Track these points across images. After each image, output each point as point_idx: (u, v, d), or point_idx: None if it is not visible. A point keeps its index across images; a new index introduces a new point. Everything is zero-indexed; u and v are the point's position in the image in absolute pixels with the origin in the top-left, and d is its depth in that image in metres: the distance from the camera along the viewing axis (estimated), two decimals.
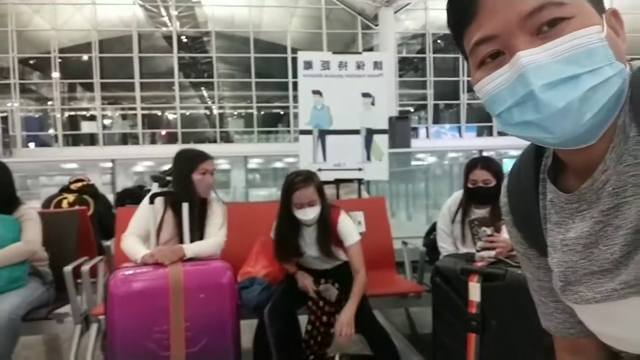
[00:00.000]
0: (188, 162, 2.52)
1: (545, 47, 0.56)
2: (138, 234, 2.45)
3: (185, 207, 2.34)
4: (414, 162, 10.55)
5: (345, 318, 2.22)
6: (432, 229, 2.98)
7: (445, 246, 2.66)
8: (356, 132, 3.64)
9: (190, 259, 2.23)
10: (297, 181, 2.36)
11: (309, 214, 2.35)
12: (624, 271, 0.61)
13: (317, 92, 3.60)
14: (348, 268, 2.44)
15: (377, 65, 3.61)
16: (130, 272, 2.04)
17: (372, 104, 3.62)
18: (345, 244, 2.43)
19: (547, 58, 0.56)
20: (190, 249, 2.31)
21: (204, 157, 2.55)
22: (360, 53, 3.88)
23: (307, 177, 2.38)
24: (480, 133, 18.07)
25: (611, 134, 0.60)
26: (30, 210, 2.62)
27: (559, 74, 0.55)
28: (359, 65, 3.60)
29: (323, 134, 3.61)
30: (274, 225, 2.56)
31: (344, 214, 2.48)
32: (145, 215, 2.48)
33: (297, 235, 2.46)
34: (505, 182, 0.82)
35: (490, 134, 17.43)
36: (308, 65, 3.59)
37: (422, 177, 9.78)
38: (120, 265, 2.27)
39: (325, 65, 3.59)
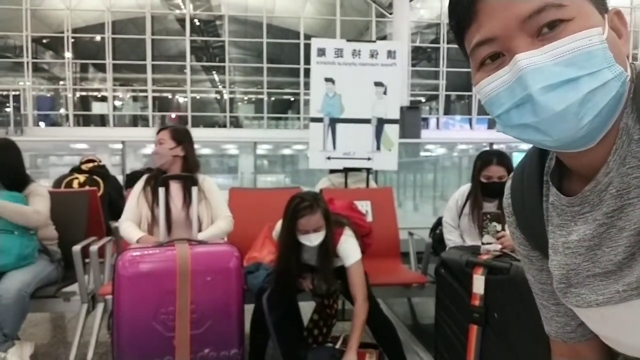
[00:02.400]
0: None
1: (544, 49, 0.56)
2: (132, 219, 2.49)
3: (161, 191, 2.35)
4: (423, 153, 10.52)
5: (349, 358, 2.18)
6: (438, 223, 2.98)
7: (453, 238, 2.66)
8: (367, 121, 3.63)
9: (199, 242, 2.25)
10: (303, 207, 2.24)
11: (313, 240, 2.26)
12: (628, 273, 0.61)
13: (329, 80, 3.58)
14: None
15: (390, 54, 3.58)
16: (138, 253, 2.06)
17: (384, 93, 3.60)
18: (345, 264, 2.34)
19: (546, 60, 0.55)
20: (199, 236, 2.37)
21: (159, 130, 2.61)
22: (374, 42, 3.83)
23: (312, 203, 2.25)
24: (491, 125, 17.93)
25: (613, 136, 0.60)
26: (40, 187, 2.64)
27: (558, 76, 0.55)
28: (373, 54, 3.57)
29: (334, 122, 3.60)
30: (278, 225, 2.50)
31: (347, 233, 2.38)
32: (136, 201, 2.53)
33: (299, 257, 2.37)
34: (508, 183, 0.81)
35: None
36: (321, 52, 3.57)
37: (430, 168, 9.75)
38: (128, 246, 2.29)
39: (339, 52, 3.57)
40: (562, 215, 0.69)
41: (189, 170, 2.53)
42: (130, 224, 2.47)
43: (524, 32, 0.57)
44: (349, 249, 2.34)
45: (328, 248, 2.30)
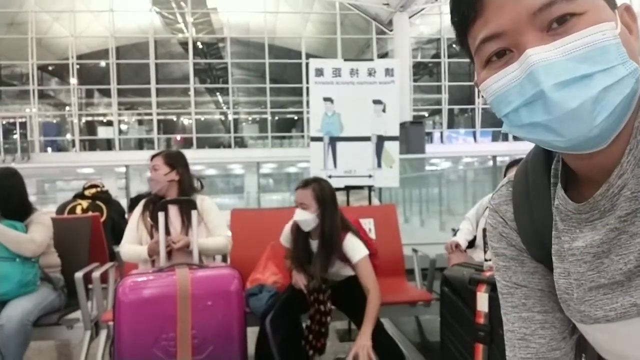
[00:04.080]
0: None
1: (556, 44, 0.53)
2: (132, 243, 2.51)
3: (160, 216, 2.35)
4: (428, 167, 10.51)
5: (361, 342, 2.16)
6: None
7: (462, 227, 2.72)
8: (367, 139, 3.64)
9: (200, 266, 2.24)
10: (299, 183, 2.49)
11: (298, 214, 2.42)
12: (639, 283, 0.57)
13: (328, 99, 3.60)
14: (352, 284, 2.43)
15: (388, 72, 3.60)
16: (139, 279, 2.05)
17: (383, 110, 3.61)
18: (352, 261, 2.42)
19: (558, 56, 0.52)
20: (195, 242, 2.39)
21: (153, 156, 2.62)
22: (371, 60, 3.85)
23: (307, 181, 2.48)
24: (495, 138, 17.92)
25: (626, 136, 0.57)
26: (42, 216, 2.64)
27: (571, 72, 0.52)
28: (371, 72, 3.59)
29: (334, 140, 3.61)
30: (286, 228, 2.61)
31: (351, 234, 2.47)
32: (136, 225, 2.54)
33: (307, 245, 2.51)
34: (503, 190, 0.77)
35: (505, 139, 17.28)
36: (319, 72, 3.60)
37: (436, 182, 9.73)
38: (130, 271, 2.28)
39: (337, 72, 3.59)
40: (566, 220, 0.65)
41: (185, 194, 2.54)
42: (131, 246, 2.49)
43: (534, 26, 0.55)
44: (356, 245, 2.43)
45: (325, 236, 2.41)
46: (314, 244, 2.49)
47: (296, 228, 2.49)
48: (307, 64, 4.00)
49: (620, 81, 0.52)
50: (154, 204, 2.51)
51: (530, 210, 0.71)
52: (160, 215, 2.34)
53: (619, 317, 0.60)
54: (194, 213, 2.39)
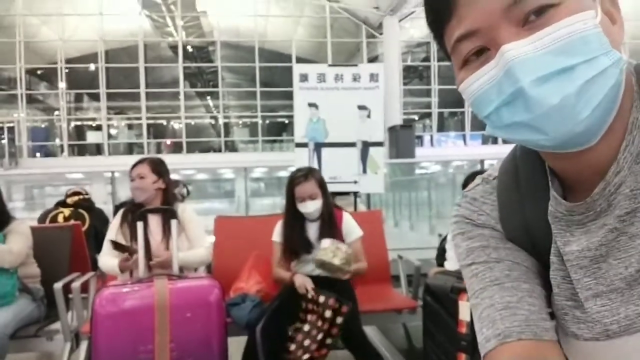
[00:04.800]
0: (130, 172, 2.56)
1: (533, 38, 0.50)
2: (111, 255, 2.48)
3: (139, 225, 2.32)
4: (418, 171, 10.51)
5: None
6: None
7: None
8: (352, 144, 3.63)
9: (179, 276, 2.20)
10: (298, 176, 2.53)
11: (309, 206, 2.48)
12: None
13: (312, 105, 3.59)
14: (345, 282, 2.42)
15: (373, 77, 3.59)
16: (116, 290, 2.02)
17: (368, 116, 3.61)
18: (349, 238, 2.55)
19: (536, 50, 0.49)
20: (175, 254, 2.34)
21: (134, 165, 2.57)
22: (355, 65, 3.84)
23: (307, 173, 2.55)
24: (485, 141, 17.98)
25: (620, 133, 0.54)
26: (21, 225, 2.60)
27: (550, 66, 0.49)
28: (355, 78, 3.59)
29: (318, 146, 3.60)
30: (278, 225, 2.63)
31: (345, 212, 2.63)
32: (114, 236, 2.52)
33: (302, 231, 2.55)
34: (479, 188, 0.71)
35: (495, 142, 17.34)
36: (304, 77, 3.59)
37: (425, 185, 9.73)
38: (108, 282, 2.25)
39: (321, 77, 3.59)
40: (555, 223, 0.61)
41: (169, 203, 2.50)
42: (108, 258, 2.46)
43: (509, 21, 0.51)
44: (352, 223, 2.61)
45: (326, 218, 2.52)
46: (313, 228, 2.54)
47: (292, 218, 2.54)
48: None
49: (604, 72, 0.49)
50: (133, 213, 2.47)
51: (522, 210, 0.65)
52: (139, 225, 2.30)
53: (622, 331, 0.55)
54: (174, 222, 2.35)
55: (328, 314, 2.30)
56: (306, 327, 2.34)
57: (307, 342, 2.35)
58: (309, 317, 2.36)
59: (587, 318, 0.58)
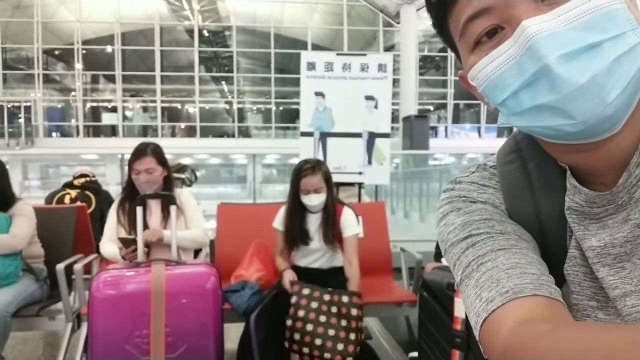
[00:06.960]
0: (129, 162, 2.52)
1: (555, 12, 0.46)
2: (112, 240, 2.49)
3: (139, 210, 2.31)
4: (431, 162, 10.44)
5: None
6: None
7: None
8: (358, 135, 3.60)
9: (177, 262, 2.21)
10: (305, 168, 2.51)
11: (314, 200, 2.49)
12: None
13: (319, 94, 3.56)
14: (335, 274, 2.43)
15: (381, 67, 3.55)
16: (113, 274, 2.03)
17: (375, 107, 3.57)
18: (345, 233, 2.53)
19: (560, 25, 0.45)
20: (168, 234, 2.36)
21: (136, 156, 2.47)
22: (364, 54, 3.79)
23: (315, 165, 2.53)
24: (500, 134, 17.79)
25: (638, 123, 0.50)
26: (26, 206, 2.62)
27: (577, 42, 0.45)
28: (363, 68, 3.54)
29: (324, 136, 3.58)
30: (280, 212, 2.64)
31: (347, 207, 2.62)
32: (115, 222, 2.52)
33: (303, 221, 2.55)
34: (476, 174, 0.66)
35: (511, 134, 17.16)
36: (311, 66, 3.55)
37: (437, 177, 9.66)
38: (110, 265, 2.27)
39: (329, 66, 3.55)
40: (570, 216, 0.56)
41: (169, 189, 2.51)
42: (109, 245, 2.48)
43: None
44: (352, 220, 2.58)
45: (329, 212, 2.53)
46: (314, 219, 2.55)
47: (295, 208, 2.55)
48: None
49: (633, 50, 0.46)
50: (131, 199, 2.47)
51: (534, 201, 0.60)
52: (139, 210, 2.31)
53: None
54: (173, 208, 2.36)
55: (354, 311, 2.29)
56: (331, 332, 2.25)
57: (340, 346, 2.23)
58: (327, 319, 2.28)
59: (613, 320, 0.54)
